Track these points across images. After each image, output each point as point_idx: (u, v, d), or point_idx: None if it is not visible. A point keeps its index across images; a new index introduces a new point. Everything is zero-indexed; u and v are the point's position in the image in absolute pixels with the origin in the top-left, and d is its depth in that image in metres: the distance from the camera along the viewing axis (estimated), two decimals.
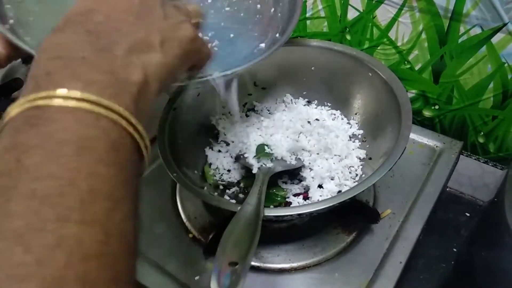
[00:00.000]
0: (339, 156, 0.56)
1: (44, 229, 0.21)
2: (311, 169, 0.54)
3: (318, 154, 0.56)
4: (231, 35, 0.52)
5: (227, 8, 0.55)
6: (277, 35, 0.52)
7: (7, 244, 0.20)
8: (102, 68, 0.26)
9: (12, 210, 0.21)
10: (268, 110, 0.63)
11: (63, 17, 0.28)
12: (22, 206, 0.21)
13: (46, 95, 0.24)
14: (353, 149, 0.57)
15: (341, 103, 0.62)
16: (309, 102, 0.64)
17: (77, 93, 0.24)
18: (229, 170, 0.57)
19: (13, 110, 0.24)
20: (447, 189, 0.69)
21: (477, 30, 0.58)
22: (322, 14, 0.72)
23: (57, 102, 0.23)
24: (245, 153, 0.56)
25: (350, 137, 0.59)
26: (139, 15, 0.30)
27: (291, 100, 0.64)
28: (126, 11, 0.30)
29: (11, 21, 0.41)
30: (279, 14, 0.55)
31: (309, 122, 0.59)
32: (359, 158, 0.56)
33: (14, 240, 0.20)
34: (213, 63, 0.38)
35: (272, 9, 0.56)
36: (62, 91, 0.24)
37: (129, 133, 0.25)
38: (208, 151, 0.59)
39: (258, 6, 0.56)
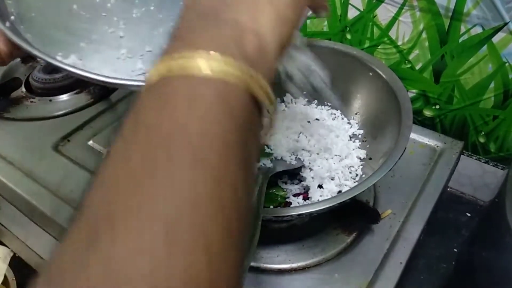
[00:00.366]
0: (339, 156, 0.55)
1: (155, 172, 0.21)
2: (311, 169, 0.54)
3: (318, 154, 0.55)
4: None
5: None
6: None
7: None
8: (212, 33, 0.26)
9: (130, 156, 0.22)
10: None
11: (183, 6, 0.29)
12: (140, 149, 0.22)
13: (189, 55, 0.24)
14: (353, 149, 0.57)
15: (341, 103, 0.62)
16: (309, 102, 0.64)
17: (216, 56, 0.24)
18: None
19: (152, 72, 0.25)
20: (448, 189, 0.69)
21: (478, 30, 0.58)
22: None
23: (198, 63, 0.24)
24: None
25: (350, 137, 0.58)
26: None
27: (291, 99, 0.64)
28: None
29: (12, 17, 0.40)
30: None
31: (309, 122, 0.59)
32: (359, 158, 0.56)
33: (132, 182, 0.21)
34: None
35: None
36: (202, 53, 0.24)
37: (246, 88, 0.25)
38: None
39: None
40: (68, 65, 0.38)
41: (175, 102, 0.23)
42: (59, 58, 0.39)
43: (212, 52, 0.24)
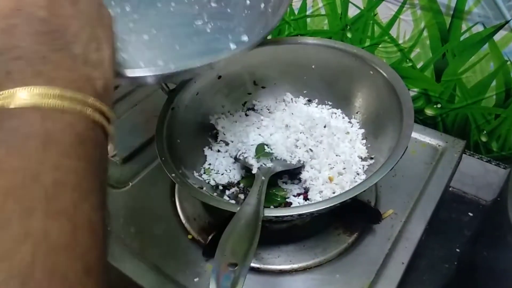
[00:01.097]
0: (340, 155, 0.55)
1: (9, 223, 0.21)
2: (311, 169, 0.54)
3: (318, 153, 0.55)
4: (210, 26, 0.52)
5: (213, 4, 0.56)
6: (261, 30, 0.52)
7: None
8: (64, 66, 0.26)
9: None
10: (268, 109, 0.62)
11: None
12: None
13: (8, 94, 0.24)
14: (354, 148, 0.56)
15: (342, 102, 0.61)
16: (309, 101, 0.63)
17: (39, 89, 0.24)
18: (228, 170, 0.56)
19: None
20: (450, 189, 0.69)
21: (479, 28, 0.58)
22: (323, 11, 0.71)
23: (21, 99, 0.23)
24: (244, 153, 0.55)
25: (351, 136, 0.58)
26: (71, 4, 0.29)
27: (291, 99, 0.63)
28: (56, 2, 0.29)
29: None
30: (269, 10, 0.55)
31: (309, 121, 0.59)
32: (361, 158, 0.55)
33: None
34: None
35: (262, 5, 0.55)
36: (24, 89, 0.24)
37: (95, 121, 0.26)
38: (207, 151, 0.58)
39: (248, 1, 0.56)
40: None
41: (28, 141, 0.23)
42: None
43: (65, 87, 0.25)
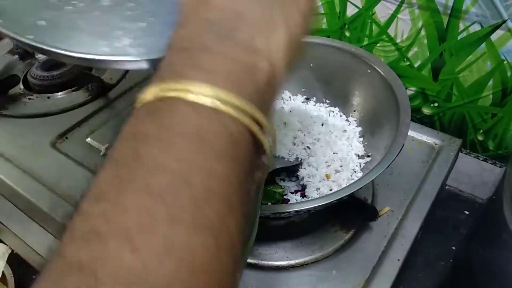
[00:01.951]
0: (337, 153, 0.55)
1: (154, 231, 0.19)
2: (309, 166, 0.54)
3: (315, 151, 0.55)
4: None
5: None
6: None
7: (116, 243, 0.18)
8: (225, 56, 0.24)
9: (125, 205, 0.19)
10: None
11: (183, 10, 0.27)
12: (135, 202, 0.19)
13: (168, 88, 0.23)
14: (351, 146, 0.57)
15: (339, 100, 0.62)
16: (307, 99, 0.64)
17: (197, 87, 0.22)
18: None
19: (137, 102, 0.23)
20: (446, 187, 0.69)
21: (476, 27, 0.58)
22: (321, 10, 0.71)
23: (178, 94, 0.22)
24: None
25: (348, 134, 0.58)
26: None
27: (290, 97, 0.63)
28: None
29: None
30: None
31: (307, 119, 0.59)
32: (358, 155, 0.56)
33: (124, 239, 0.18)
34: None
35: None
36: (182, 85, 0.22)
37: (250, 129, 0.23)
38: None
39: None
40: (45, 44, 0.38)
41: (182, 140, 0.21)
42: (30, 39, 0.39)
43: (222, 83, 0.23)
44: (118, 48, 0.41)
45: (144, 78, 0.80)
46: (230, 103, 0.22)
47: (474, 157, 0.68)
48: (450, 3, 0.58)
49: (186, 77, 0.23)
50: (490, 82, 0.61)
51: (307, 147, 0.56)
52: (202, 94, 0.22)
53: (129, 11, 0.48)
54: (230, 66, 0.24)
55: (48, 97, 0.74)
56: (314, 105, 0.63)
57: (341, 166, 0.54)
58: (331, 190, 0.52)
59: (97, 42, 0.41)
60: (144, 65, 0.39)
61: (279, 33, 0.26)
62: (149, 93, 0.23)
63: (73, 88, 0.76)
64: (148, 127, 0.22)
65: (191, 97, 0.22)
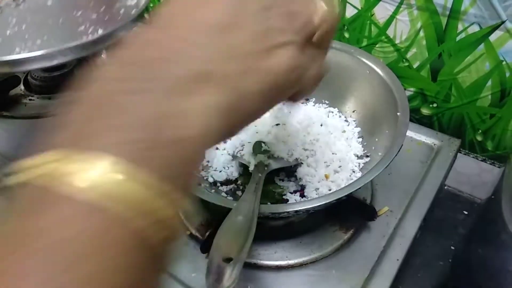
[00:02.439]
0: (336, 153, 0.56)
1: None
2: (308, 167, 0.54)
3: (314, 151, 0.56)
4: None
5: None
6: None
7: None
8: (133, 119, 0.20)
9: None
10: None
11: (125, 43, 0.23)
12: None
13: (56, 159, 0.19)
14: (350, 147, 0.57)
15: (339, 101, 0.62)
16: (307, 100, 0.64)
17: (88, 164, 0.18)
18: (226, 168, 0.57)
19: (24, 169, 0.19)
20: (445, 187, 0.69)
21: (475, 28, 0.58)
22: None
23: (64, 178, 0.18)
24: (242, 150, 0.56)
25: (347, 134, 0.59)
26: (223, 30, 0.23)
27: None
28: (207, 23, 0.23)
29: None
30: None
31: (306, 119, 0.59)
32: (357, 156, 0.56)
33: None
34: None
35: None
36: (68, 168, 0.18)
37: (159, 222, 0.19)
38: None
39: None
40: None
41: (62, 251, 0.17)
42: None
43: (123, 155, 0.18)
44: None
45: None
46: (132, 187, 0.18)
47: (473, 157, 0.68)
48: (449, 4, 0.58)
49: (80, 146, 0.19)
50: (489, 83, 0.61)
51: (306, 147, 0.56)
52: (89, 181, 0.18)
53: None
54: (135, 134, 0.19)
55: (49, 98, 0.75)
56: (314, 105, 0.63)
57: (340, 166, 0.54)
58: (330, 190, 0.52)
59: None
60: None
61: (212, 93, 0.22)
62: (35, 166, 0.19)
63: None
64: (29, 225, 0.18)
65: (76, 183, 0.18)
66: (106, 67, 0.22)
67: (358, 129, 0.59)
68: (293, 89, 0.28)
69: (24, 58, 0.57)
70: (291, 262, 0.51)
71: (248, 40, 0.24)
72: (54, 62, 0.58)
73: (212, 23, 0.24)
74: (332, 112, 0.62)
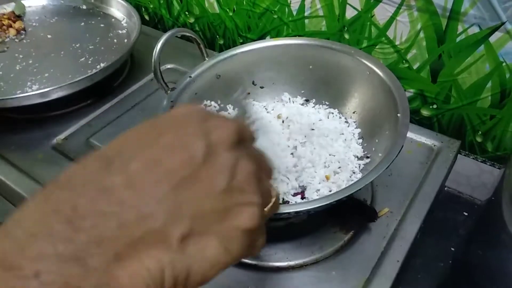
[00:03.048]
0: (335, 155, 0.56)
1: None
2: (308, 168, 0.54)
3: (314, 152, 0.56)
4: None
5: None
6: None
7: None
8: None
9: None
10: (266, 109, 0.63)
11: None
12: None
13: None
14: (350, 148, 0.57)
15: (339, 102, 0.62)
16: (306, 101, 0.64)
17: None
18: None
19: None
20: (445, 188, 0.69)
21: (475, 29, 0.58)
22: (321, 13, 0.72)
23: None
24: None
25: (347, 135, 0.59)
26: (180, 182, 0.22)
27: (289, 99, 0.64)
28: (177, 168, 0.22)
29: None
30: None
31: (306, 121, 0.59)
32: (357, 157, 0.56)
33: None
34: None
35: None
36: None
37: None
38: None
39: None
40: None
41: None
42: None
43: None
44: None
45: (143, 79, 0.80)
46: None
47: (473, 158, 0.69)
48: (449, 6, 0.58)
49: None
50: (489, 84, 0.61)
51: (307, 148, 0.56)
52: None
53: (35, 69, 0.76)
54: None
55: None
56: (313, 107, 0.63)
57: (340, 167, 0.54)
58: (330, 191, 0.52)
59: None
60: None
61: (162, 254, 0.21)
62: None
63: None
64: None
65: None
66: (42, 214, 0.20)
67: (358, 130, 0.59)
68: (246, 252, 0.25)
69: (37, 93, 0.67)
70: (292, 263, 0.51)
71: (210, 194, 0.22)
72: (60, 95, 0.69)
73: (171, 174, 0.22)
74: (333, 113, 0.62)
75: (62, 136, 0.70)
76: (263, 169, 0.27)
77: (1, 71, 0.76)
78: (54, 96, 0.68)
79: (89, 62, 0.78)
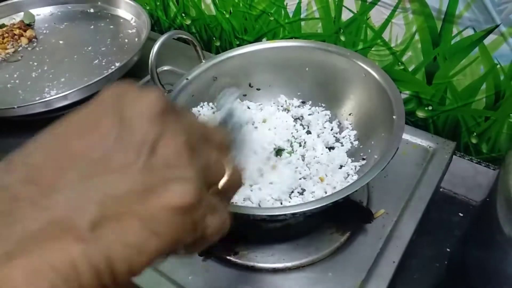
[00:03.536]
0: (333, 156, 0.56)
1: None
2: (305, 170, 0.54)
3: (311, 155, 0.56)
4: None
5: None
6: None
7: None
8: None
9: None
10: (261, 109, 0.63)
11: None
12: None
13: None
14: (346, 150, 0.57)
15: (335, 104, 0.62)
16: (303, 103, 0.64)
17: None
18: None
19: None
20: (440, 190, 0.70)
21: (469, 32, 0.59)
22: (317, 15, 0.72)
23: None
24: None
25: (343, 137, 0.59)
26: (87, 167, 0.20)
27: (285, 101, 0.64)
28: (86, 152, 0.21)
29: None
30: None
31: (302, 122, 0.60)
32: (352, 159, 0.56)
33: None
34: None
35: None
36: None
37: None
38: None
39: None
40: None
41: None
42: None
43: None
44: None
45: (140, 81, 0.80)
46: None
47: (468, 159, 0.69)
48: (444, 8, 0.59)
49: None
50: (483, 86, 0.62)
51: (303, 149, 0.56)
52: None
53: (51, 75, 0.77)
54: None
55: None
56: (310, 108, 0.63)
57: (336, 168, 0.55)
58: (326, 192, 0.52)
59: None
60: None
61: (72, 245, 0.19)
62: None
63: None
64: None
65: None
66: None
67: (354, 132, 0.59)
68: (189, 238, 0.23)
69: (57, 97, 0.68)
70: (288, 264, 0.51)
71: (122, 176, 0.20)
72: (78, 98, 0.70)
73: (76, 160, 0.20)
74: (328, 115, 0.62)
75: None
76: (208, 141, 0.24)
77: (18, 80, 0.78)
78: (75, 99, 0.69)
79: (103, 63, 0.80)
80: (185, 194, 0.21)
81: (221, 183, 0.26)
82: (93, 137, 0.21)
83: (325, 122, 0.61)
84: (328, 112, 0.62)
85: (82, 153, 0.20)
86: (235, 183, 0.27)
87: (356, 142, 0.58)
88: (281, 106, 0.64)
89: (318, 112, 0.62)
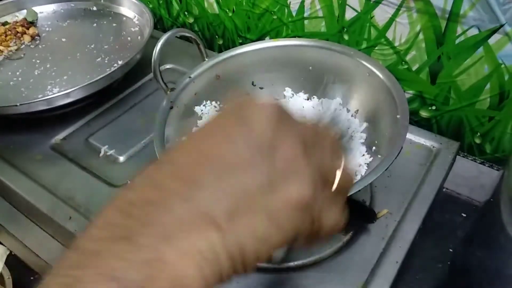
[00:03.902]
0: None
1: None
2: None
3: None
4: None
5: None
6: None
7: None
8: (126, 266, 0.20)
9: None
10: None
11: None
12: None
13: None
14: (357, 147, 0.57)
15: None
16: (308, 100, 0.64)
17: None
18: None
19: None
20: (444, 190, 0.69)
21: (474, 31, 0.59)
22: (320, 14, 0.72)
23: None
24: None
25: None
26: (232, 169, 0.23)
27: (292, 94, 0.63)
28: (219, 152, 0.24)
29: None
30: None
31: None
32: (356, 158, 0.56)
33: None
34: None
35: None
36: None
37: None
38: None
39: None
40: None
41: None
42: None
43: None
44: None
45: (142, 79, 0.80)
46: None
47: (472, 160, 0.69)
48: (448, 7, 0.59)
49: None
50: (488, 86, 0.61)
51: None
52: None
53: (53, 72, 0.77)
54: (125, 283, 0.20)
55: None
56: (313, 107, 0.63)
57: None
58: None
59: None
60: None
61: (211, 235, 0.21)
62: None
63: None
64: None
65: None
66: (105, 211, 0.23)
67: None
68: (306, 232, 0.26)
69: (60, 95, 0.68)
70: (291, 264, 0.51)
71: (259, 180, 0.23)
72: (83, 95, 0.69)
73: (222, 162, 0.23)
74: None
75: (60, 136, 0.70)
76: (320, 143, 0.27)
77: (20, 77, 0.78)
78: (77, 96, 0.69)
79: (106, 61, 0.79)
80: (303, 191, 0.24)
81: (335, 183, 0.28)
82: (223, 141, 0.24)
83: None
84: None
85: (216, 153, 0.24)
86: (347, 183, 0.30)
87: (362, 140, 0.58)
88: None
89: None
